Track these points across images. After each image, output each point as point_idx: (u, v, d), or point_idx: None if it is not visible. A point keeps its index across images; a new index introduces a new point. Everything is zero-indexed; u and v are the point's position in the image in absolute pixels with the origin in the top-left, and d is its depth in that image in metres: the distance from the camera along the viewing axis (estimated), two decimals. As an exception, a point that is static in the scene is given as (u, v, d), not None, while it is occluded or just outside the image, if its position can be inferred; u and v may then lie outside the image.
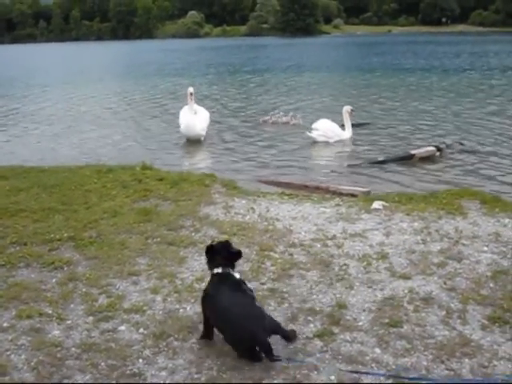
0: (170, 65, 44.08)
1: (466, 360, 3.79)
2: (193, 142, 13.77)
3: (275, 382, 3.57)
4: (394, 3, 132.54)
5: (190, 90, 13.59)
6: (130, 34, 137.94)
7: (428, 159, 11.35)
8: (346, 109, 13.74)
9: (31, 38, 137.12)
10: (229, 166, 11.21)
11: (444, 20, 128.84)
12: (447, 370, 3.69)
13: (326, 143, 13.36)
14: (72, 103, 21.91)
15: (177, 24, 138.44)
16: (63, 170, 9.25)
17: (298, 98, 21.34)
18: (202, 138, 13.85)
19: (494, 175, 10.15)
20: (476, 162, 11.18)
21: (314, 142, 13.45)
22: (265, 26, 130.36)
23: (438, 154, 11.50)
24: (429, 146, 11.86)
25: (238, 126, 16.13)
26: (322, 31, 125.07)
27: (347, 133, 13.70)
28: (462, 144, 12.38)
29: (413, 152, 11.44)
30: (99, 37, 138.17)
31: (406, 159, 11.22)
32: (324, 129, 13.48)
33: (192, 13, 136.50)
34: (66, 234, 6.16)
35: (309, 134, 13.50)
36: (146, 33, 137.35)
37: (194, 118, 13.69)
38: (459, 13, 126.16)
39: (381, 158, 11.30)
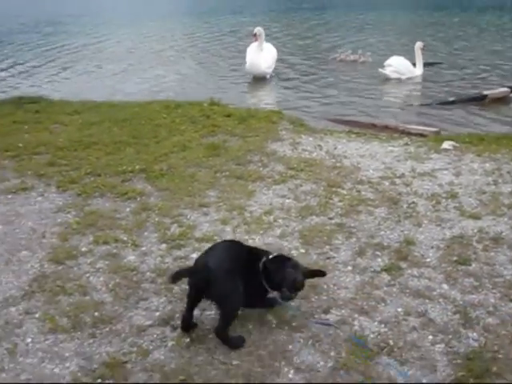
0: (237, 2, 43.35)
1: (537, 299, 3.77)
2: (258, 80, 13.72)
3: (343, 311, 3.66)
4: None
5: (256, 29, 13.51)
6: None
7: (501, 100, 10.95)
8: (419, 45, 13.42)
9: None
10: (296, 104, 11.15)
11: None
12: (516, 308, 3.69)
13: (398, 81, 13.19)
14: (137, 41, 21.92)
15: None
16: (132, 105, 9.43)
17: (364, 37, 20.72)
18: (268, 76, 13.78)
19: None
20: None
21: (386, 79, 13.30)
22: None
23: (511, 95, 11.07)
24: (502, 86, 11.41)
25: (305, 63, 15.86)
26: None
27: (418, 70, 13.51)
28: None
29: (485, 92, 11.05)
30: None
31: (478, 100, 10.86)
32: (397, 65, 13.31)
33: None
34: (137, 167, 6.34)
35: (381, 70, 13.35)
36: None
37: (260, 56, 13.61)
38: None
39: (452, 98, 10.98)
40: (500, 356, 3.22)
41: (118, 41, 22.25)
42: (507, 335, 3.40)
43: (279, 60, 14.62)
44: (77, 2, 42.23)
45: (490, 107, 10.58)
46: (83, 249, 4.60)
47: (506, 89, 11.19)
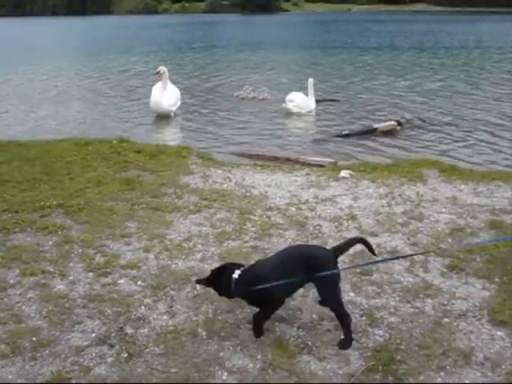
0: (132, 42, 43.71)
1: (429, 300, 4.37)
2: (163, 118, 14.13)
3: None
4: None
5: (160, 68, 13.98)
6: (87, 9, 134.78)
7: (390, 133, 11.97)
8: (311, 81, 14.46)
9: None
10: (201, 140, 11.65)
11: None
12: (412, 308, 4.26)
13: (298, 115, 14.18)
14: (31, 81, 21.69)
15: (134, 0, 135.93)
16: (41, 144, 9.52)
17: (258, 75, 21.79)
18: (172, 114, 14.21)
19: (451, 146, 10.90)
20: (434, 134, 11.90)
21: (288, 113, 14.27)
22: (225, 2, 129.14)
23: (398, 127, 12.13)
24: (390, 120, 12.48)
25: (207, 101, 16.49)
26: (282, 9, 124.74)
27: (312, 104, 14.59)
28: (420, 119, 13.03)
29: (375, 126, 12.05)
30: (54, 12, 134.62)
31: (370, 132, 11.82)
32: (298, 100, 14.30)
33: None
34: (54, 202, 6.49)
35: (284, 105, 14.32)
36: (103, 8, 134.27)
37: (163, 95, 14.05)
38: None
39: (346, 132, 11.87)
40: (402, 347, 3.76)
41: (8, 79, 21.91)
42: (407, 330, 3.96)
43: (182, 98, 15.09)
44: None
45: (380, 139, 11.55)
46: (11, 281, 4.74)
47: (393, 122, 12.25)
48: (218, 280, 3.89)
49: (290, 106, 14.28)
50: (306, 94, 14.54)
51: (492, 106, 14.80)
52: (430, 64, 24.61)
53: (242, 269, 3.87)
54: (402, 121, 12.43)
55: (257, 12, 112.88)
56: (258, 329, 3.87)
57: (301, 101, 14.33)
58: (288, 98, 14.37)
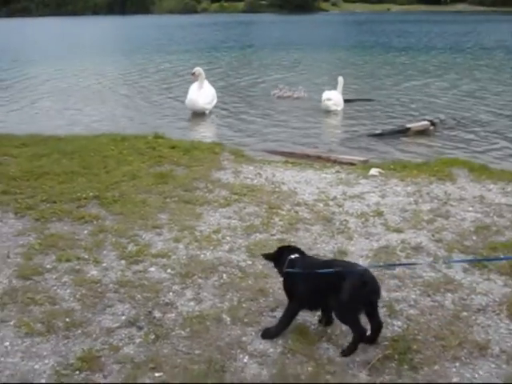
0: (170, 41, 44.30)
1: (449, 294, 4.46)
2: (198, 115, 14.43)
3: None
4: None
5: (195, 69, 14.32)
6: (127, 8, 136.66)
7: (423, 132, 11.98)
8: (341, 79, 14.92)
9: (26, 13, 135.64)
10: (235, 137, 11.90)
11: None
12: (432, 301, 4.35)
13: (334, 113, 14.60)
14: (70, 78, 22.29)
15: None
16: (79, 139, 9.84)
17: (293, 74, 21.98)
18: (207, 112, 14.49)
19: (483, 147, 10.92)
20: (467, 134, 11.93)
21: (326, 111, 14.61)
22: (263, 2, 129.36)
23: (432, 127, 12.13)
24: (423, 120, 12.48)
25: (242, 100, 16.82)
26: (321, 8, 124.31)
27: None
28: (454, 119, 13.02)
29: (408, 126, 12.07)
30: (95, 11, 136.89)
31: (402, 132, 11.85)
32: (335, 98, 14.68)
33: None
34: (91, 194, 6.75)
35: (324, 104, 14.64)
36: (143, 8, 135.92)
37: (198, 93, 14.37)
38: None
39: (379, 131, 11.92)
40: (419, 337, 3.87)
41: (50, 77, 22.54)
42: (425, 322, 4.06)
43: (218, 96, 15.35)
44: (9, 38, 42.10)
45: (413, 138, 11.58)
46: (48, 266, 4.99)
47: (426, 122, 12.25)
48: (278, 257, 4.13)
49: (329, 103, 14.63)
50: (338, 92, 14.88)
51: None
52: (466, 65, 24.47)
53: (298, 255, 4.07)
54: (436, 121, 12.42)
55: (295, 12, 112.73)
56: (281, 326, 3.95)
57: (337, 98, 14.77)
58: (326, 96, 14.67)
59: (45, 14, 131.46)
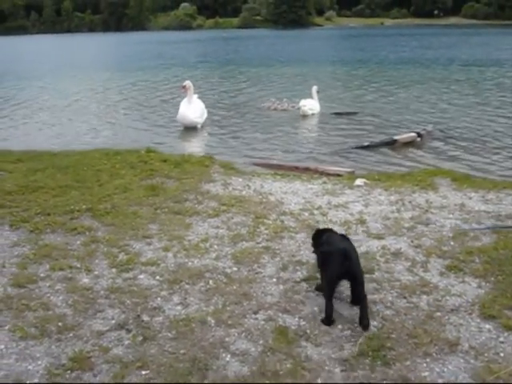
0: (162, 57, 44.77)
1: (424, 296, 4.68)
2: (189, 130, 14.71)
3: (269, 311, 4.44)
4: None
5: (186, 82, 14.61)
6: (122, 25, 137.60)
7: (410, 144, 12.25)
8: (315, 88, 17.05)
9: (22, 30, 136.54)
10: (225, 150, 12.13)
11: (436, 12, 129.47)
12: (408, 303, 4.57)
13: (312, 115, 16.19)
14: (64, 94, 22.60)
15: (169, 16, 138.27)
16: (73, 154, 10.08)
17: (282, 88, 22.47)
18: (199, 126, 14.78)
19: (467, 157, 11.18)
20: (453, 146, 12.20)
21: (304, 116, 16.26)
22: (257, 18, 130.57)
23: (419, 139, 12.39)
24: (411, 132, 12.75)
25: (232, 114, 17.17)
26: (315, 23, 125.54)
27: (319, 106, 16.81)
28: (441, 131, 13.30)
29: (395, 137, 12.33)
30: (91, 29, 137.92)
31: (390, 144, 12.11)
32: (309, 104, 16.64)
33: (184, 4, 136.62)
34: (84, 206, 6.97)
35: (300, 110, 16.38)
36: (138, 25, 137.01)
37: (188, 108, 14.65)
38: (451, 5, 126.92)
39: (366, 143, 12.18)
40: (393, 336, 4.08)
41: (43, 93, 22.86)
42: (400, 322, 4.28)
43: (208, 111, 15.65)
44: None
45: (400, 150, 11.84)
46: (41, 274, 5.19)
47: (413, 134, 12.52)
48: (315, 238, 4.91)
49: (305, 109, 16.45)
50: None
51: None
52: (456, 78, 24.78)
53: (329, 234, 4.76)
54: (423, 132, 12.68)
55: (289, 27, 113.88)
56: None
57: (311, 104, 16.62)
58: (301, 103, 16.59)
59: (41, 32, 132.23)
